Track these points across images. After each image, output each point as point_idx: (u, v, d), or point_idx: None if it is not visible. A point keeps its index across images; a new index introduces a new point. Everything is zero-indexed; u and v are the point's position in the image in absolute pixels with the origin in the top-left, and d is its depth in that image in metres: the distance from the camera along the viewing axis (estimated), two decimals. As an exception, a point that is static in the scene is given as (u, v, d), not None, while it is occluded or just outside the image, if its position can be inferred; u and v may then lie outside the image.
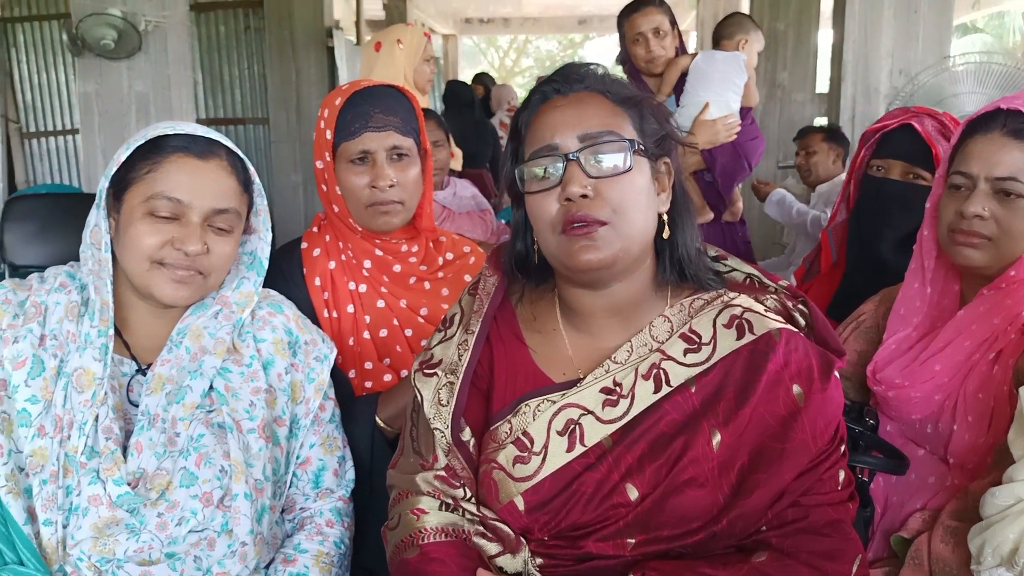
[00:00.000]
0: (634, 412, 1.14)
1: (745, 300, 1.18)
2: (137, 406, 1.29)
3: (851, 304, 1.76)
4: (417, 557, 1.17)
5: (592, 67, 1.20)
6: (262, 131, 6.08)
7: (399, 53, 3.36)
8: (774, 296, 1.20)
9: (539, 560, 1.15)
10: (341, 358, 1.61)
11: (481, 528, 1.18)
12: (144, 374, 1.33)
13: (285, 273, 1.68)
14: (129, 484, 1.22)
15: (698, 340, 1.16)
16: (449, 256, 1.79)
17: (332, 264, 1.71)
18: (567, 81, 1.18)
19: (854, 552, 1.14)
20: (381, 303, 1.70)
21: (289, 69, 5.51)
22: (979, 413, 1.39)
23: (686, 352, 1.15)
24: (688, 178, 2.92)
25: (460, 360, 1.22)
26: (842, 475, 1.16)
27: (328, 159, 1.66)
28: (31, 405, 1.23)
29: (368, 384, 1.67)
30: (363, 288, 1.70)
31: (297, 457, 1.42)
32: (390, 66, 3.33)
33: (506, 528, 1.16)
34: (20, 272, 3.64)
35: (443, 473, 1.21)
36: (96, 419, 1.24)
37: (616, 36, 3.10)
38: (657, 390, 1.14)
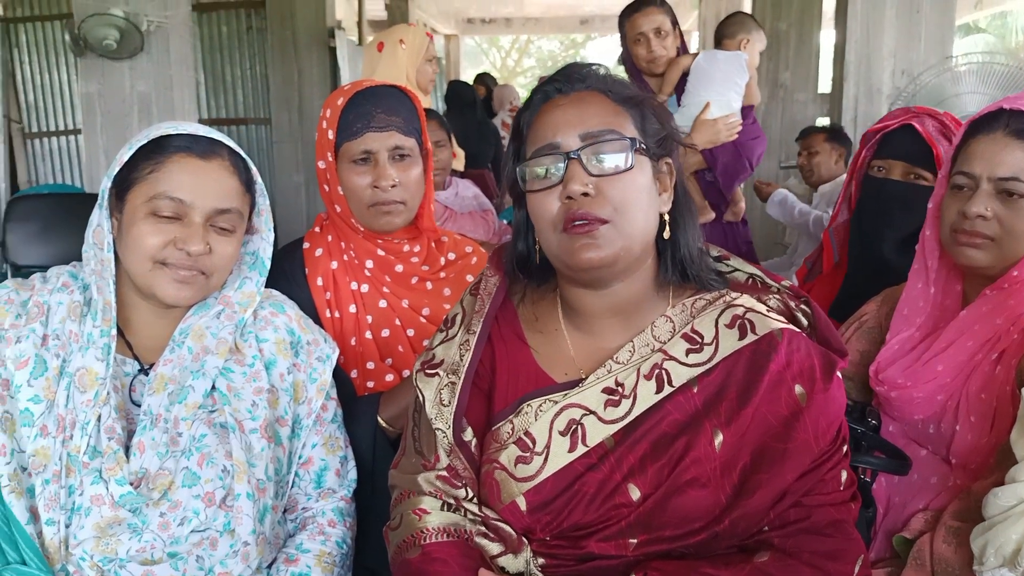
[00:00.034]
0: (636, 412, 1.14)
1: (747, 300, 1.18)
2: (139, 406, 1.29)
3: (853, 304, 1.76)
4: (419, 557, 1.17)
5: (594, 67, 1.20)
6: (264, 131, 6.08)
7: (401, 53, 3.36)
8: (776, 296, 1.20)
9: (541, 560, 1.15)
10: (343, 358, 1.62)
11: (483, 528, 1.18)
12: (146, 374, 1.33)
13: (287, 273, 1.68)
14: (131, 484, 1.22)
15: (700, 340, 1.16)
16: (451, 256, 1.80)
17: (334, 264, 1.71)
18: (569, 80, 1.18)
19: (856, 552, 1.14)
20: (383, 303, 1.70)
21: (291, 69, 5.51)
22: (981, 413, 1.39)
23: (688, 352, 1.15)
24: (689, 178, 2.92)
25: (462, 360, 1.23)
26: (844, 475, 1.16)
27: (330, 159, 1.66)
28: (34, 405, 1.23)
29: (370, 384, 1.67)
30: (365, 288, 1.70)
31: (299, 457, 1.42)
32: (393, 66, 3.33)
33: (508, 528, 1.16)
34: (22, 272, 3.65)
35: (445, 473, 1.21)
36: (98, 419, 1.24)
37: (618, 36, 3.10)
38: (659, 390, 1.14)
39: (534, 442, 1.16)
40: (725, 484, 1.10)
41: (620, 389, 1.15)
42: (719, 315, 1.16)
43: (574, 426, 1.15)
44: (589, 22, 11.39)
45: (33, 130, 6.46)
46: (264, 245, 1.43)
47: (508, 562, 1.15)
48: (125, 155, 1.28)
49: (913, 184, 1.84)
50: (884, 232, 1.88)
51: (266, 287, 1.45)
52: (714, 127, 2.91)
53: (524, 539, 1.16)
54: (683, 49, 3.06)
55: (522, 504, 1.15)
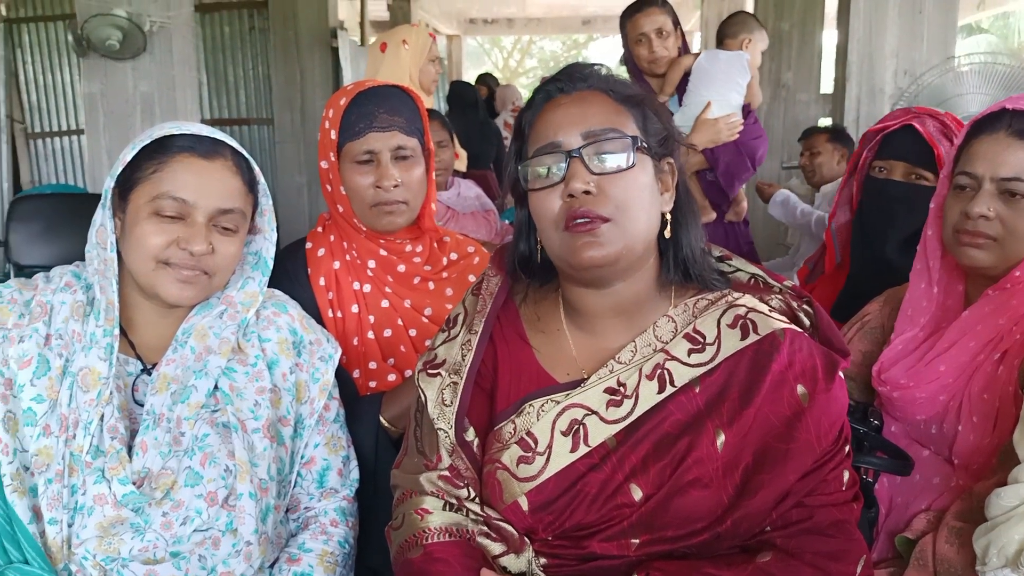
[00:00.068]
0: (638, 412, 1.14)
1: (749, 300, 1.18)
2: (142, 406, 1.30)
3: (856, 305, 1.75)
4: (421, 557, 1.17)
5: (596, 67, 1.21)
6: (266, 132, 6.09)
7: (404, 53, 3.37)
8: (779, 296, 1.20)
9: (543, 560, 1.15)
10: (345, 358, 1.62)
11: (485, 528, 1.18)
12: (149, 374, 1.33)
13: (290, 273, 1.68)
14: (134, 483, 1.23)
15: (702, 340, 1.16)
16: (453, 256, 1.80)
17: (337, 264, 1.71)
18: (571, 80, 1.18)
19: (858, 553, 1.14)
20: (385, 303, 1.70)
21: (293, 70, 5.52)
22: (984, 414, 1.39)
23: (690, 352, 1.15)
24: (691, 177, 2.92)
25: (464, 360, 1.23)
26: (846, 475, 1.16)
27: (333, 159, 1.66)
28: (36, 404, 1.24)
29: (372, 384, 1.67)
30: (367, 288, 1.71)
31: (302, 457, 1.42)
32: (396, 66, 3.33)
33: (510, 528, 1.16)
34: (25, 272, 3.65)
35: (447, 473, 1.21)
36: (101, 418, 1.24)
37: (620, 37, 3.10)
38: (661, 390, 1.14)
39: (536, 442, 1.16)
40: (727, 484, 1.10)
41: (622, 389, 1.15)
42: (721, 315, 1.16)
43: (576, 426, 1.15)
44: (591, 22, 11.39)
45: (36, 130, 6.47)
46: (267, 245, 1.43)
47: (510, 562, 1.15)
48: (128, 155, 1.29)
49: (914, 184, 1.84)
50: (886, 233, 1.88)
51: (269, 287, 1.45)
52: (715, 127, 2.91)
53: (526, 539, 1.16)
54: (684, 49, 3.06)
55: (524, 504, 1.15)
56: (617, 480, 1.12)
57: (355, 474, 1.49)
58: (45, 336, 1.27)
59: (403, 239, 1.73)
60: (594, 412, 1.15)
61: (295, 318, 1.46)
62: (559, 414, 1.16)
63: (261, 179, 1.39)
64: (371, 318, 1.69)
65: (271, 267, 1.43)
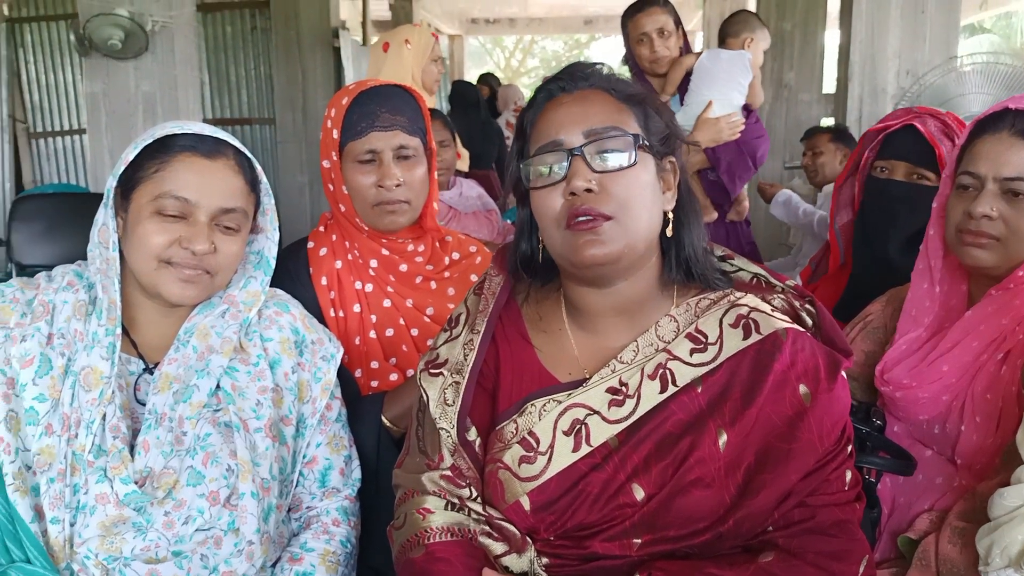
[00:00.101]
0: (640, 412, 1.14)
1: (752, 300, 1.18)
2: (144, 405, 1.30)
3: (858, 305, 1.75)
4: (423, 556, 1.17)
5: (597, 66, 1.21)
6: (268, 131, 6.09)
7: (407, 53, 3.37)
8: (781, 296, 1.20)
9: (545, 560, 1.15)
10: (347, 357, 1.62)
11: (487, 528, 1.18)
12: (151, 373, 1.33)
13: (292, 272, 1.68)
14: (136, 483, 1.23)
15: (704, 340, 1.15)
16: (455, 256, 1.80)
17: (338, 263, 1.71)
18: (572, 79, 1.18)
19: (861, 552, 1.14)
20: (387, 302, 1.70)
21: (295, 69, 5.52)
22: (987, 414, 1.39)
23: (692, 352, 1.15)
24: (692, 177, 2.92)
25: (466, 360, 1.22)
26: (849, 475, 1.16)
27: (335, 158, 1.66)
28: (39, 403, 1.24)
29: (374, 383, 1.67)
30: (369, 287, 1.71)
31: (303, 456, 1.42)
32: (398, 66, 3.33)
33: (512, 528, 1.16)
34: (27, 271, 3.66)
35: (449, 473, 1.21)
36: (103, 418, 1.24)
37: (622, 36, 3.10)
38: (663, 390, 1.14)
39: (538, 442, 1.16)
40: (729, 484, 1.10)
41: (624, 389, 1.15)
42: (723, 315, 1.16)
43: (578, 426, 1.15)
44: (593, 22, 11.39)
45: (38, 130, 6.47)
46: (269, 244, 1.43)
47: (512, 562, 1.15)
48: (130, 154, 1.29)
49: (916, 184, 1.84)
50: (888, 232, 1.88)
51: (271, 286, 1.45)
52: (716, 126, 2.91)
53: (528, 539, 1.16)
54: (686, 49, 3.06)
55: (526, 504, 1.15)
56: (619, 480, 1.12)
57: (357, 474, 1.50)
58: (47, 335, 1.27)
59: (405, 238, 1.73)
60: (596, 412, 1.15)
61: (297, 317, 1.46)
62: (561, 414, 1.16)
63: (263, 178, 1.39)
64: (373, 317, 1.69)
65: (273, 266, 1.43)
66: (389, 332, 1.69)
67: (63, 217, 3.75)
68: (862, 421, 1.45)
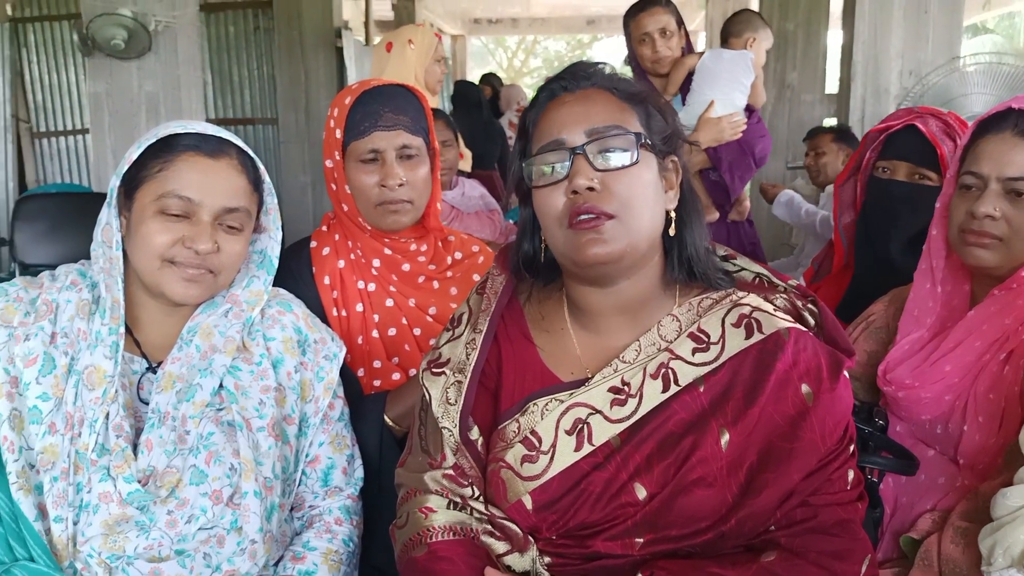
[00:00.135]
0: (642, 411, 1.14)
1: (754, 299, 1.18)
2: (147, 404, 1.30)
3: (861, 305, 1.75)
4: (425, 555, 1.17)
5: (600, 65, 1.21)
6: (271, 131, 6.09)
7: (410, 53, 3.37)
8: (783, 295, 1.20)
9: (547, 559, 1.15)
10: (350, 357, 1.62)
11: (489, 527, 1.18)
12: (154, 372, 1.33)
13: (294, 272, 1.69)
14: (139, 481, 1.23)
15: (707, 339, 1.15)
16: (458, 255, 1.80)
17: (341, 263, 1.71)
18: (575, 78, 1.18)
19: (863, 552, 1.14)
20: (390, 302, 1.70)
21: (298, 69, 5.53)
22: (990, 414, 1.39)
23: (694, 351, 1.15)
24: (694, 176, 2.92)
25: (468, 359, 1.23)
26: (851, 475, 1.16)
27: (338, 158, 1.66)
28: (42, 402, 1.24)
29: (377, 383, 1.67)
30: (372, 287, 1.71)
31: (306, 455, 1.43)
32: (401, 66, 3.33)
33: (514, 527, 1.16)
34: (30, 271, 3.66)
35: (451, 472, 1.21)
36: (107, 416, 1.24)
37: (624, 36, 3.10)
38: (665, 389, 1.14)
39: (540, 441, 1.16)
40: (731, 483, 1.10)
41: (626, 388, 1.15)
42: (726, 314, 1.16)
43: (580, 425, 1.15)
44: (595, 22, 11.38)
45: (41, 129, 6.48)
46: (272, 244, 1.43)
47: (514, 561, 1.15)
48: (134, 153, 1.29)
49: (918, 184, 1.84)
50: (890, 233, 1.88)
51: (273, 286, 1.45)
52: (718, 125, 2.91)
53: (530, 538, 1.16)
54: (688, 49, 3.06)
55: (528, 503, 1.15)
56: (621, 479, 1.12)
57: (359, 473, 1.50)
58: (51, 334, 1.27)
59: (408, 238, 1.73)
60: (598, 411, 1.15)
61: (300, 317, 1.46)
62: (563, 413, 1.16)
63: (266, 178, 1.39)
64: (376, 317, 1.69)
65: (276, 266, 1.43)
66: (392, 331, 1.69)
67: (66, 217, 3.76)
68: (864, 421, 1.45)
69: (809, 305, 1.19)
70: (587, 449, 1.14)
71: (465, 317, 1.28)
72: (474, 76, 10.41)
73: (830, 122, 4.66)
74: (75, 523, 1.22)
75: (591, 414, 1.15)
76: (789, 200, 3.81)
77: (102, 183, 3.67)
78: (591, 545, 1.13)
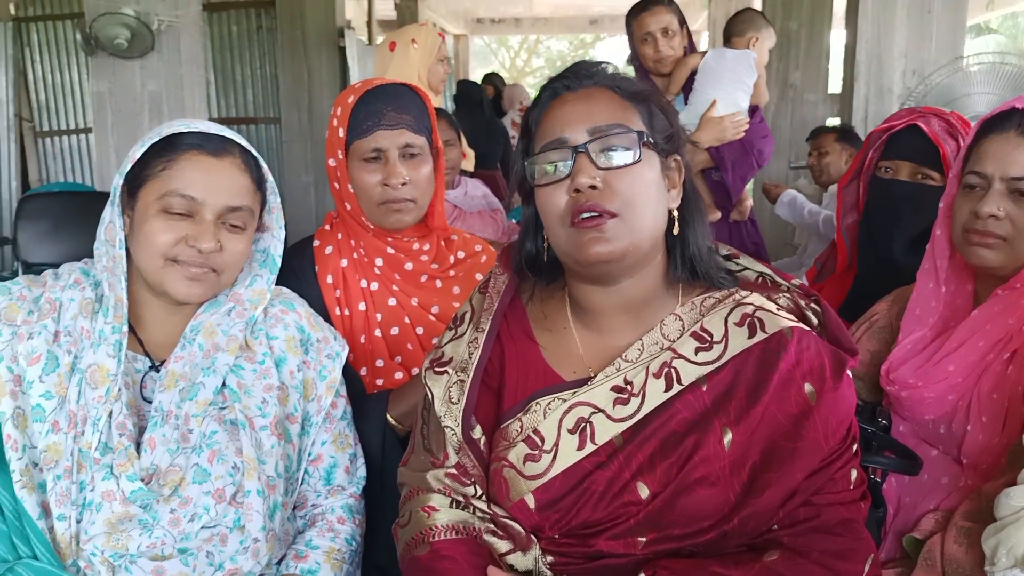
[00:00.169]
0: (645, 410, 1.14)
1: (757, 298, 1.17)
2: (150, 402, 1.30)
3: (864, 305, 1.75)
4: (428, 554, 1.17)
5: (602, 64, 1.21)
6: (274, 131, 6.10)
7: (413, 53, 3.37)
8: (787, 295, 1.20)
9: (550, 558, 1.15)
10: (352, 356, 1.62)
11: (492, 526, 1.18)
12: (157, 371, 1.33)
13: (297, 271, 1.69)
14: (142, 480, 1.23)
15: (709, 338, 1.15)
16: (460, 255, 1.80)
17: (344, 262, 1.71)
18: (577, 77, 1.18)
19: (866, 551, 1.14)
20: (393, 301, 1.70)
21: (301, 69, 5.53)
22: (993, 413, 1.39)
23: (697, 350, 1.15)
24: (696, 176, 2.92)
25: (471, 358, 1.23)
26: (854, 474, 1.16)
27: (341, 157, 1.66)
28: (45, 401, 1.24)
29: (379, 382, 1.67)
30: (375, 286, 1.71)
31: (309, 454, 1.43)
32: (405, 65, 3.34)
33: (517, 526, 1.16)
34: (34, 270, 3.67)
35: (454, 471, 1.21)
36: (110, 415, 1.24)
37: (627, 36, 3.10)
38: (668, 388, 1.14)
39: (543, 440, 1.16)
40: (734, 483, 1.10)
41: (629, 387, 1.15)
42: (728, 313, 1.16)
43: (583, 424, 1.15)
44: (598, 22, 11.38)
45: (44, 129, 6.49)
46: (275, 243, 1.43)
47: (517, 560, 1.15)
48: (137, 152, 1.29)
49: (921, 184, 1.84)
50: (893, 232, 1.88)
51: (276, 285, 1.45)
52: (720, 125, 2.91)
53: (533, 537, 1.16)
54: (691, 49, 3.06)
55: (531, 502, 1.15)
56: (624, 478, 1.12)
57: (362, 472, 1.50)
58: (54, 333, 1.28)
59: (411, 237, 1.73)
60: (601, 410, 1.15)
61: (303, 316, 1.46)
62: (566, 412, 1.16)
63: (269, 177, 1.39)
64: (378, 316, 1.69)
65: (279, 265, 1.44)
66: (394, 330, 1.69)
67: (69, 216, 3.76)
68: (868, 421, 1.45)
69: (812, 304, 1.19)
70: (590, 448, 1.14)
71: (468, 316, 1.28)
72: (477, 76, 10.41)
73: (833, 122, 4.65)
74: (78, 521, 1.22)
75: (594, 413, 1.15)
76: (792, 200, 3.81)
77: (105, 182, 3.68)
78: (594, 544, 1.13)
